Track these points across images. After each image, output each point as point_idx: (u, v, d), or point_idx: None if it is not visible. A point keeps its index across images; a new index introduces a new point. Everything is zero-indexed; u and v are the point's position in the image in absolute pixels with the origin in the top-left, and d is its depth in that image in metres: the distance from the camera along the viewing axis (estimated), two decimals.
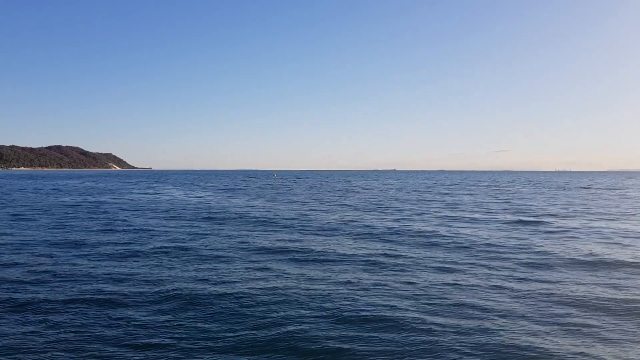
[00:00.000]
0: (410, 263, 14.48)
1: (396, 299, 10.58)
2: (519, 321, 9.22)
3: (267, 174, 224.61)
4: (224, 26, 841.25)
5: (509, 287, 11.67)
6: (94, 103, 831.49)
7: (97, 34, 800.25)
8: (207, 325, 8.86)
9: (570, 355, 7.67)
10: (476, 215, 29.21)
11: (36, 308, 9.82)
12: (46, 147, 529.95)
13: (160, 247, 16.77)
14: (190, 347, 7.91)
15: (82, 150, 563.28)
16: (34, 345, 7.92)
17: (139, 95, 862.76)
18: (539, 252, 16.36)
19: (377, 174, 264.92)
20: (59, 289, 11.18)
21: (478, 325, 8.93)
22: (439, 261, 14.76)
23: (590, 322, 9.21)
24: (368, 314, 9.50)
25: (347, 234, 20.69)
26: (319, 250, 16.54)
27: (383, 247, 17.31)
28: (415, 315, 9.49)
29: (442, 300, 10.54)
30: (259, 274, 12.96)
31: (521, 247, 17.38)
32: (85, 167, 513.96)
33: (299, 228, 22.66)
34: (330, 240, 19.08)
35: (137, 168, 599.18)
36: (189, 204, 37.54)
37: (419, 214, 29.98)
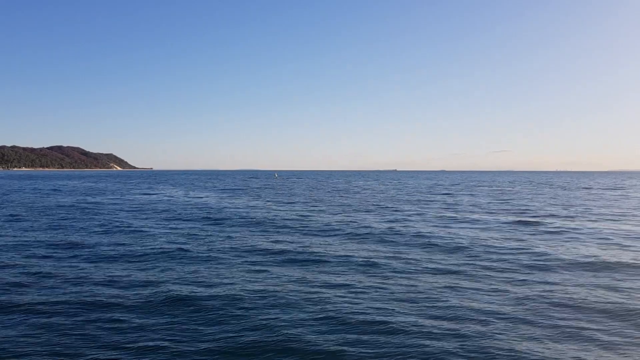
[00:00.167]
0: (409, 265, 14.36)
1: (394, 302, 10.47)
2: (519, 325, 9.10)
3: (268, 174, 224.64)
4: (224, 26, 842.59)
5: (509, 290, 11.54)
6: (94, 103, 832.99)
7: (97, 34, 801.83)
8: (203, 328, 8.76)
9: None
10: (476, 216, 29.08)
11: (28, 310, 9.73)
12: (47, 148, 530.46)
13: (157, 249, 16.66)
14: (187, 349, 7.81)
15: (83, 150, 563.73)
16: (25, 348, 7.82)
17: (139, 95, 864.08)
18: (539, 253, 16.23)
19: (378, 174, 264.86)
20: (52, 291, 11.08)
21: (477, 329, 8.82)
22: (438, 263, 14.64)
23: (591, 325, 9.09)
24: (365, 317, 9.39)
25: (346, 235, 20.57)
26: (318, 251, 16.42)
27: (382, 249, 17.19)
28: (414, 318, 9.38)
29: (441, 303, 10.42)
30: (256, 276, 12.85)
31: (521, 248, 17.24)
32: (86, 168, 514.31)
33: (298, 229, 22.55)
34: (329, 241, 18.96)
35: (138, 168, 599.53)
36: (188, 205, 37.44)
37: (418, 215, 29.85)
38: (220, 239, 19.21)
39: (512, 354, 7.77)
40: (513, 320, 9.33)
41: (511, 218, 28.10)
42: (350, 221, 25.96)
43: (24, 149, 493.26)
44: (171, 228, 22.77)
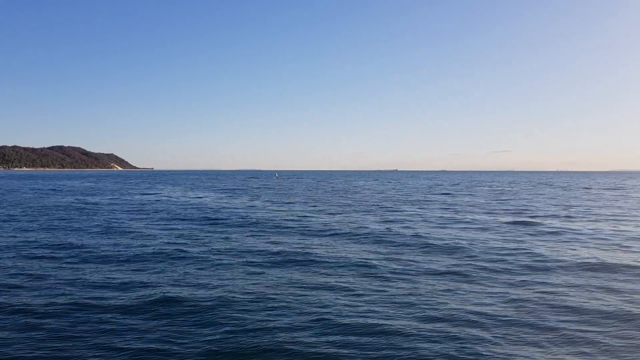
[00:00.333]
0: (407, 266, 14.22)
1: (392, 304, 10.34)
2: (518, 328, 8.96)
3: (268, 174, 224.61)
4: (224, 26, 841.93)
5: (508, 292, 11.40)
6: (94, 103, 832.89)
7: (97, 34, 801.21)
8: (198, 330, 8.63)
9: None
10: (475, 217, 28.93)
11: (20, 310, 9.62)
12: (48, 148, 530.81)
13: (154, 250, 16.53)
14: (181, 351, 7.68)
15: (84, 150, 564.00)
16: (17, 350, 7.70)
17: (139, 95, 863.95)
18: (539, 255, 16.08)
19: (379, 174, 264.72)
20: (46, 292, 10.96)
21: (476, 333, 8.68)
22: (437, 264, 14.50)
23: (591, 328, 8.95)
24: (362, 319, 9.26)
25: (345, 236, 20.43)
26: (316, 253, 16.28)
27: (380, 250, 17.06)
28: (411, 321, 9.25)
29: (438, 305, 10.28)
30: (253, 277, 12.72)
31: (520, 249, 17.09)
32: (87, 168, 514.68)
33: (296, 230, 22.41)
34: (328, 242, 18.83)
35: (139, 168, 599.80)
36: (187, 205, 37.32)
37: (418, 215, 29.71)
38: (218, 240, 19.08)
39: (511, 358, 7.63)
40: (512, 323, 9.19)
41: (511, 218, 27.95)
42: (349, 222, 25.83)
43: (25, 149, 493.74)
44: (169, 228, 22.65)
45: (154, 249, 16.86)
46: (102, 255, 15.65)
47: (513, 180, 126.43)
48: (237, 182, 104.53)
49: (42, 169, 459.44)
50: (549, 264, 14.61)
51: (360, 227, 23.57)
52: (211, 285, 11.81)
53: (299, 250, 16.86)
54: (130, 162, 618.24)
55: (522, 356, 7.72)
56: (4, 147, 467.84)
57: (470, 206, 37.71)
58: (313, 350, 7.89)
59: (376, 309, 10.07)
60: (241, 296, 10.87)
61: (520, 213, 31.89)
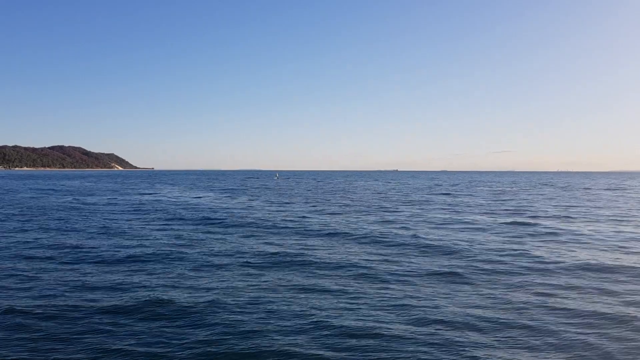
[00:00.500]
0: (405, 269, 14.10)
1: (389, 308, 10.21)
2: (517, 332, 8.84)
3: (268, 174, 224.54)
4: (224, 26, 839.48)
5: (507, 296, 11.29)
6: (94, 103, 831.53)
7: (97, 34, 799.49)
8: (189, 333, 8.49)
9: None
10: (475, 217, 28.81)
11: (10, 312, 9.50)
12: (49, 147, 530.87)
13: (148, 251, 16.40)
14: (171, 354, 7.57)
15: (85, 150, 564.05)
16: (6, 352, 7.58)
17: (139, 95, 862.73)
18: (538, 256, 15.96)
19: (379, 175, 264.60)
20: (37, 293, 10.85)
21: (474, 338, 8.56)
22: (435, 267, 14.36)
23: (590, 332, 8.82)
24: (359, 323, 9.14)
25: (344, 237, 20.30)
26: (314, 254, 16.16)
27: (378, 252, 16.93)
28: (408, 325, 9.13)
29: (436, 309, 10.15)
30: (249, 279, 12.60)
31: (520, 252, 16.97)
32: (87, 167, 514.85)
33: (295, 231, 22.29)
34: (326, 243, 18.72)
35: (139, 168, 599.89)
36: (186, 205, 37.21)
37: (417, 216, 29.59)
38: (215, 241, 18.97)
39: None
40: (510, 327, 9.06)
41: (510, 219, 27.83)
42: (349, 222, 25.72)
43: (26, 148, 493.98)
44: (165, 229, 22.53)
45: (149, 249, 16.74)
46: (98, 256, 15.53)
47: (513, 181, 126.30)
48: (237, 182, 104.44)
49: (42, 168, 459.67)
50: (548, 266, 14.49)
51: (360, 227, 23.45)
52: (207, 287, 11.70)
53: (297, 251, 16.74)
54: (130, 162, 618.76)
55: None
56: (5, 146, 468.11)
57: (470, 207, 37.59)
58: (309, 352, 7.78)
59: (373, 311, 9.95)
60: (237, 298, 10.76)
61: (520, 214, 31.77)
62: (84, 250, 16.74)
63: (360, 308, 10.18)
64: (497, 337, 8.61)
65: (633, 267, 14.33)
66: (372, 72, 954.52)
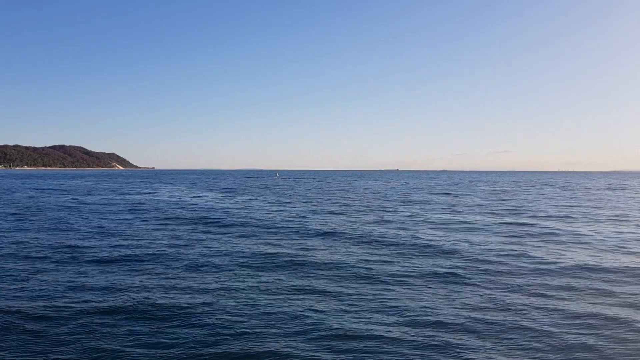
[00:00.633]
0: (403, 270, 13.99)
1: (386, 310, 10.11)
2: (514, 334, 8.73)
3: (269, 174, 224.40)
4: (224, 26, 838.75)
5: (506, 297, 11.19)
6: (95, 103, 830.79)
7: (97, 34, 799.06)
8: (183, 335, 8.39)
9: None
10: (475, 218, 28.69)
11: None
12: (50, 147, 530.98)
13: (143, 252, 16.28)
14: (163, 356, 7.48)
15: (86, 150, 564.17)
16: None
17: (140, 95, 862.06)
18: (538, 258, 15.86)
19: (380, 174, 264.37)
20: (24, 294, 10.75)
21: (472, 340, 8.45)
22: (434, 268, 14.25)
23: (589, 334, 8.71)
24: (355, 325, 9.04)
25: (342, 238, 20.18)
26: (312, 256, 16.07)
27: (377, 252, 16.82)
28: (405, 328, 9.04)
29: (434, 311, 10.05)
30: (244, 281, 12.48)
31: (520, 252, 16.86)
32: (88, 167, 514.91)
33: (294, 231, 22.17)
34: (325, 245, 18.61)
35: (140, 168, 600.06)
36: (184, 205, 37.10)
37: (417, 216, 29.47)
38: (212, 241, 18.86)
39: None
40: (508, 328, 8.96)
41: (510, 219, 27.71)
42: (348, 222, 25.61)
43: (27, 148, 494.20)
44: (163, 229, 22.43)
45: (146, 249, 16.65)
46: (93, 256, 15.42)
47: (513, 181, 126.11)
48: (237, 181, 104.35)
49: (43, 168, 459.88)
50: (547, 267, 14.37)
51: (359, 228, 23.35)
52: (204, 288, 11.60)
53: (295, 251, 16.63)
54: (131, 161, 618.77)
55: None
56: (6, 146, 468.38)
57: (470, 206, 37.47)
58: (306, 354, 7.69)
59: (371, 313, 9.85)
60: (234, 299, 10.67)
61: (519, 214, 31.64)
62: (79, 250, 16.64)
63: (358, 309, 10.08)
64: (496, 339, 8.50)
65: (633, 268, 14.21)
66: (372, 72, 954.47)
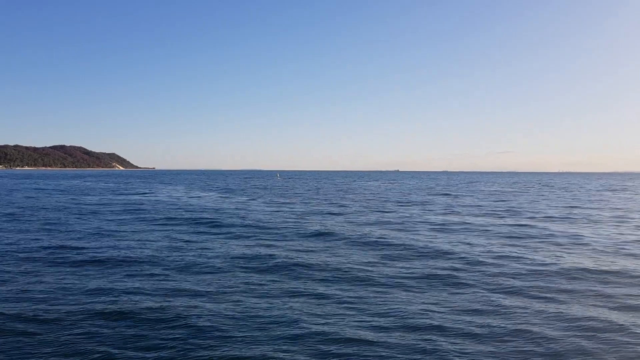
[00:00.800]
0: (400, 273, 13.84)
1: (382, 314, 9.96)
2: (510, 340, 8.57)
3: (269, 174, 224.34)
4: (224, 26, 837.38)
5: (504, 301, 11.03)
6: (95, 103, 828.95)
7: (97, 34, 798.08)
8: (169, 340, 8.24)
9: None
10: (475, 219, 28.53)
11: None
12: (50, 147, 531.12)
13: (137, 254, 16.12)
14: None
15: (86, 150, 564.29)
16: None
17: (140, 95, 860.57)
18: (538, 260, 15.70)
19: (380, 175, 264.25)
20: (10, 296, 10.60)
21: (469, 346, 8.29)
22: (431, 271, 14.09)
23: (588, 337, 8.55)
24: (348, 330, 8.89)
25: (340, 239, 20.01)
26: (309, 258, 15.91)
27: (375, 254, 16.66)
28: (400, 333, 8.88)
29: (431, 314, 9.89)
30: (235, 284, 12.32)
31: (519, 255, 16.71)
32: (88, 167, 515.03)
33: (292, 232, 21.99)
34: (322, 246, 18.46)
35: (140, 168, 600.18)
36: (182, 205, 36.94)
37: (416, 217, 29.31)
38: (209, 243, 18.71)
39: None
40: (505, 334, 8.80)
41: (510, 221, 27.56)
42: (347, 223, 25.46)
43: (27, 148, 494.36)
44: (160, 230, 22.28)
45: (138, 251, 16.49)
46: (83, 258, 15.22)
47: (514, 181, 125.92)
48: (237, 182, 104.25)
49: (43, 168, 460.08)
50: (546, 269, 14.21)
51: (358, 229, 23.20)
52: (194, 291, 11.44)
53: (291, 253, 16.48)
54: (131, 161, 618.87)
55: None
56: (6, 146, 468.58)
57: (469, 208, 37.31)
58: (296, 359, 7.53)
59: (366, 317, 9.70)
60: (225, 303, 10.52)
61: (519, 215, 31.48)
62: (73, 250, 16.47)
63: (353, 313, 9.93)
64: (494, 343, 8.34)
65: (632, 271, 14.04)
66: (372, 72, 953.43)
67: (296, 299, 10.89)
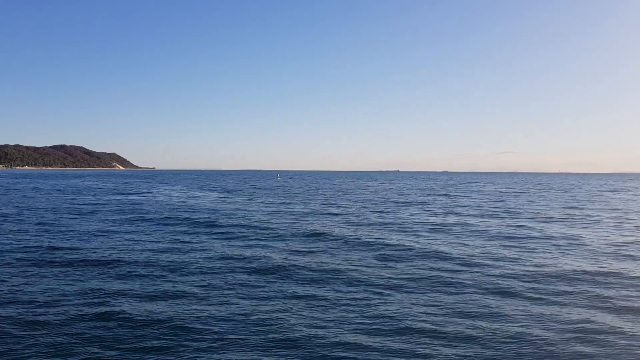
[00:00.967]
0: (398, 275, 13.74)
1: (378, 318, 9.85)
2: (508, 342, 8.46)
3: (269, 174, 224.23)
4: (224, 26, 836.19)
5: (502, 302, 10.92)
6: (95, 103, 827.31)
7: (97, 34, 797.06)
8: (162, 345, 8.14)
9: None
10: (474, 220, 28.43)
11: None
12: (50, 147, 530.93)
13: (131, 255, 16.02)
14: None
15: (86, 149, 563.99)
16: None
17: (140, 95, 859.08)
18: (537, 262, 15.60)
19: (380, 175, 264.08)
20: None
21: (463, 348, 8.19)
22: (430, 274, 13.99)
23: (585, 342, 8.45)
24: (344, 335, 8.79)
25: (338, 240, 19.91)
26: (305, 260, 15.82)
27: (373, 256, 16.56)
28: (396, 337, 8.78)
29: (429, 317, 9.80)
30: (224, 288, 12.22)
31: (518, 256, 16.61)
32: (89, 167, 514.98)
33: (291, 233, 21.88)
34: (320, 247, 18.38)
35: (140, 168, 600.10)
36: (181, 206, 36.83)
37: (416, 218, 29.22)
38: (203, 244, 18.59)
39: None
40: (502, 339, 8.69)
41: (509, 222, 27.45)
42: (346, 224, 25.36)
43: (27, 147, 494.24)
44: (155, 231, 22.17)
45: (131, 253, 16.38)
46: (78, 259, 15.12)
47: (515, 182, 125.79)
48: (237, 182, 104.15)
49: (44, 167, 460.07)
50: (544, 270, 14.10)
51: (356, 230, 23.11)
52: (189, 293, 11.34)
53: (287, 255, 16.39)
54: (132, 161, 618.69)
55: None
56: (6, 146, 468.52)
57: (468, 208, 37.21)
58: None
59: (361, 320, 9.61)
60: (216, 306, 10.41)
61: (519, 216, 31.38)
62: (61, 253, 16.33)
63: (348, 317, 9.83)
64: (491, 345, 8.24)
65: (632, 272, 13.94)
66: (372, 72, 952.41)
67: (293, 301, 10.79)
